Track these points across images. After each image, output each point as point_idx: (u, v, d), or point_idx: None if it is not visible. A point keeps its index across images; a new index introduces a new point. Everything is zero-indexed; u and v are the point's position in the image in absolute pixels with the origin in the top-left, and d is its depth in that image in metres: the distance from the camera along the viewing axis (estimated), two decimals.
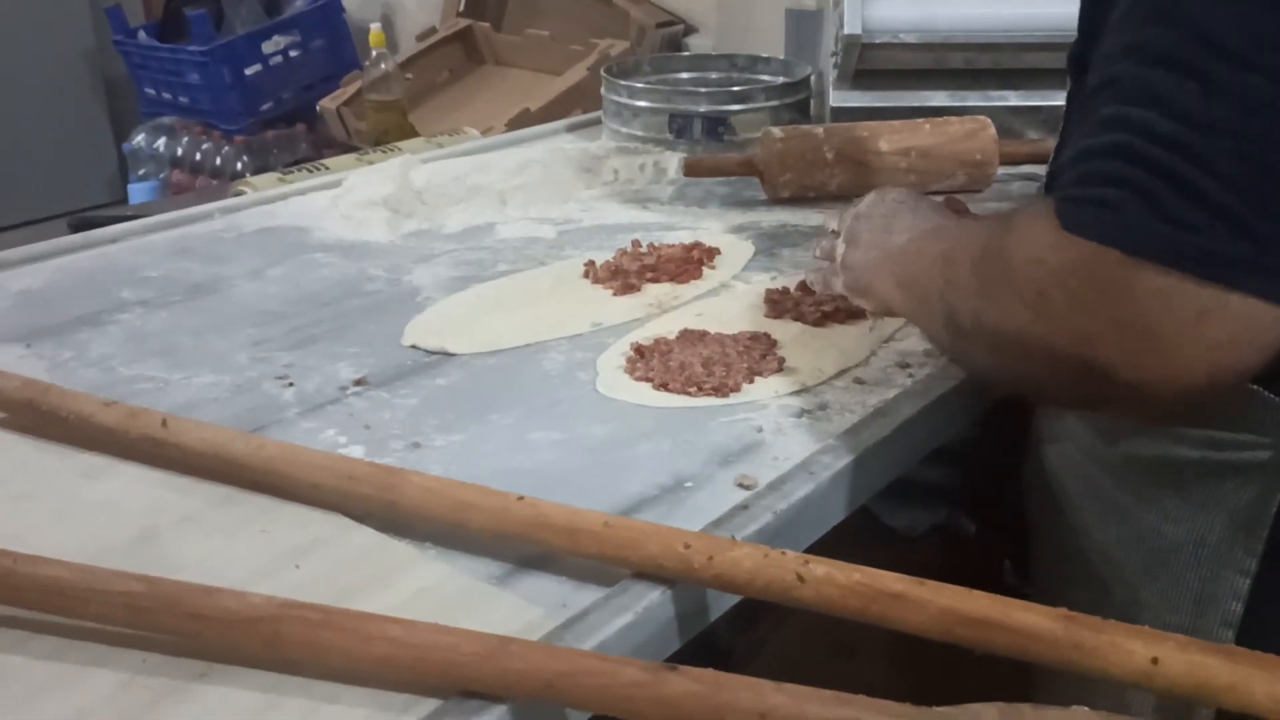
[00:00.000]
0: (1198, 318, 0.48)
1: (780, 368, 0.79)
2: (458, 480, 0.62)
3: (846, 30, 1.22)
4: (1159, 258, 0.48)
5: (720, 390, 0.76)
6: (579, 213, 1.15)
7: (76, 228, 1.27)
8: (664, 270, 0.96)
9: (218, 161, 2.38)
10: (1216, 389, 0.51)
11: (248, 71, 2.45)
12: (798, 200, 1.15)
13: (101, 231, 1.10)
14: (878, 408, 0.74)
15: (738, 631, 1.05)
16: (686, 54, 1.61)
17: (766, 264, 1.00)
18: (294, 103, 2.53)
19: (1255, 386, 0.57)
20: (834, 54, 1.29)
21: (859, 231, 0.82)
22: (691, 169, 1.17)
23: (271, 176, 1.35)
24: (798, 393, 0.77)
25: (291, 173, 1.35)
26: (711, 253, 1.00)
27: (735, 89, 1.33)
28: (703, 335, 0.83)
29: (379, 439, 0.71)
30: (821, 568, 0.53)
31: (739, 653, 1.04)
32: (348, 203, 1.15)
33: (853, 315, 0.86)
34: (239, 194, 1.27)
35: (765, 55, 1.46)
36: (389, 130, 1.79)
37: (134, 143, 2.51)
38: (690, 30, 2.11)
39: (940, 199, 1.09)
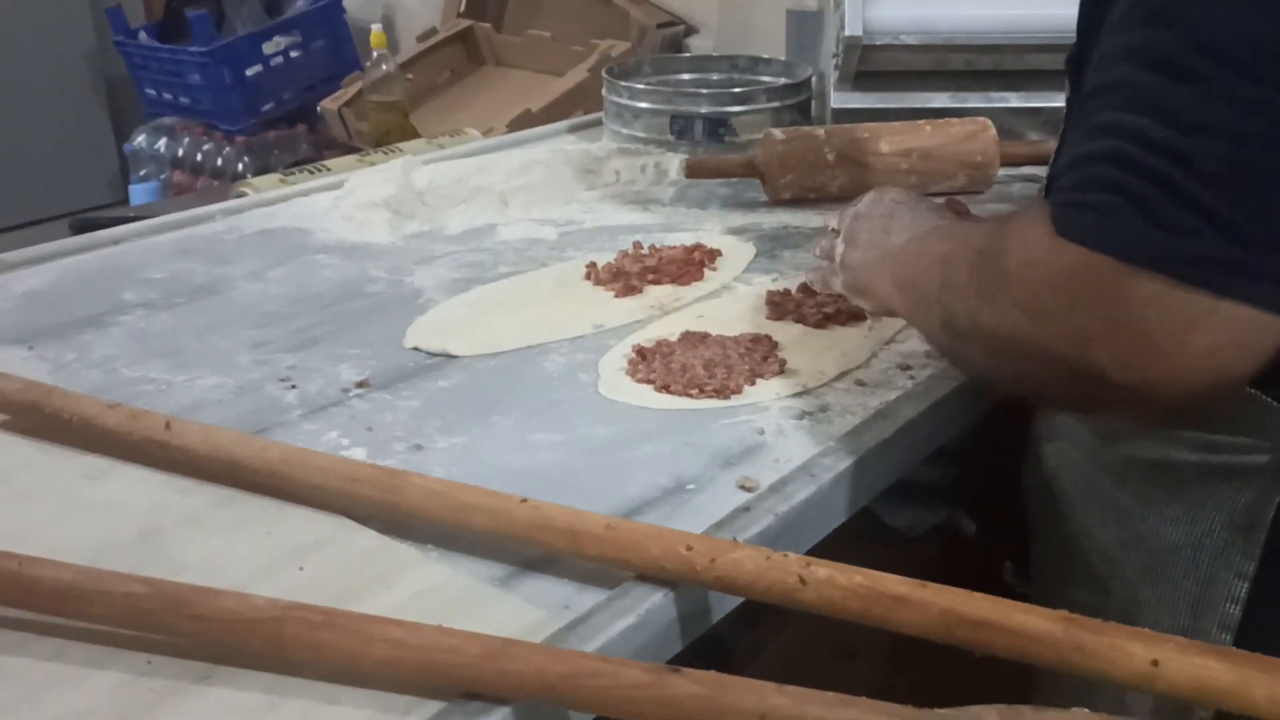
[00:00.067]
0: (1190, 324, 0.49)
1: (781, 370, 0.79)
2: (460, 482, 0.62)
3: (848, 32, 1.22)
4: (1152, 264, 0.48)
5: (722, 392, 0.76)
6: (580, 214, 1.15)
7: (78, 229, 1.28)
8: (665, 272, 0.96)
9: (219, 162, 2.38)
10: (1211, 393, 0.51)
11: (249, 72, 2.45)
12: (799, 202, 1.16)
13: (104, 233, 1.10)
14: (879, 409, 0.75)
15: (738, 632, 1.05)
16: (687, 55, 1.62)
17: (768, 265, 1.01)
18: (295, 103, 2.53)
19: (1253, 390, 0.57)
20: (835, 55, 1.30)
21: (858, 231, 0.83)
22: (693, 170, 1.18)
23: (273, 177, 1.36)
24: (799, 394, 0.77)
25: (293, 174, 1.36)
26: (713, 254, 1.01)
27: (736, 90, 1.33)
28: (704, 337, 0.83)
29: (381, 441, 0.72)
30: (823, 570, 0.53)
31: (740, 653, 1.04)
32: (349, 204, 1.15)
33: (854, 317, 0.86)
34: (240, 195, 1.27)
35: (766, 56, 1.46)
36: (390, 131, 1.79)
37: (135, 143, 2.51)
38: (691, 31, 2.11)
39: (941, 200, 1.10)
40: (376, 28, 1.86)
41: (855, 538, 0.71)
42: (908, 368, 0.80)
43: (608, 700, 0.47)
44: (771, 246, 1.05)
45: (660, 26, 2.05)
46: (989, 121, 1.16)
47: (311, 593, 0.55)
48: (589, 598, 0.56)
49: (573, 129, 1.49)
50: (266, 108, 2.49)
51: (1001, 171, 1.17)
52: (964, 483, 1.22)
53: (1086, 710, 0.45)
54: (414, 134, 1.74)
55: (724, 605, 0.60)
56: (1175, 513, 0.63)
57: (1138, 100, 0.50)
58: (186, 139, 2.43)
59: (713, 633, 0.60)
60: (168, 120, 2.50)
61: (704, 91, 1.34)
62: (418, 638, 0.49)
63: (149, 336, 0.88)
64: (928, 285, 0.66)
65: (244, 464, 0.65)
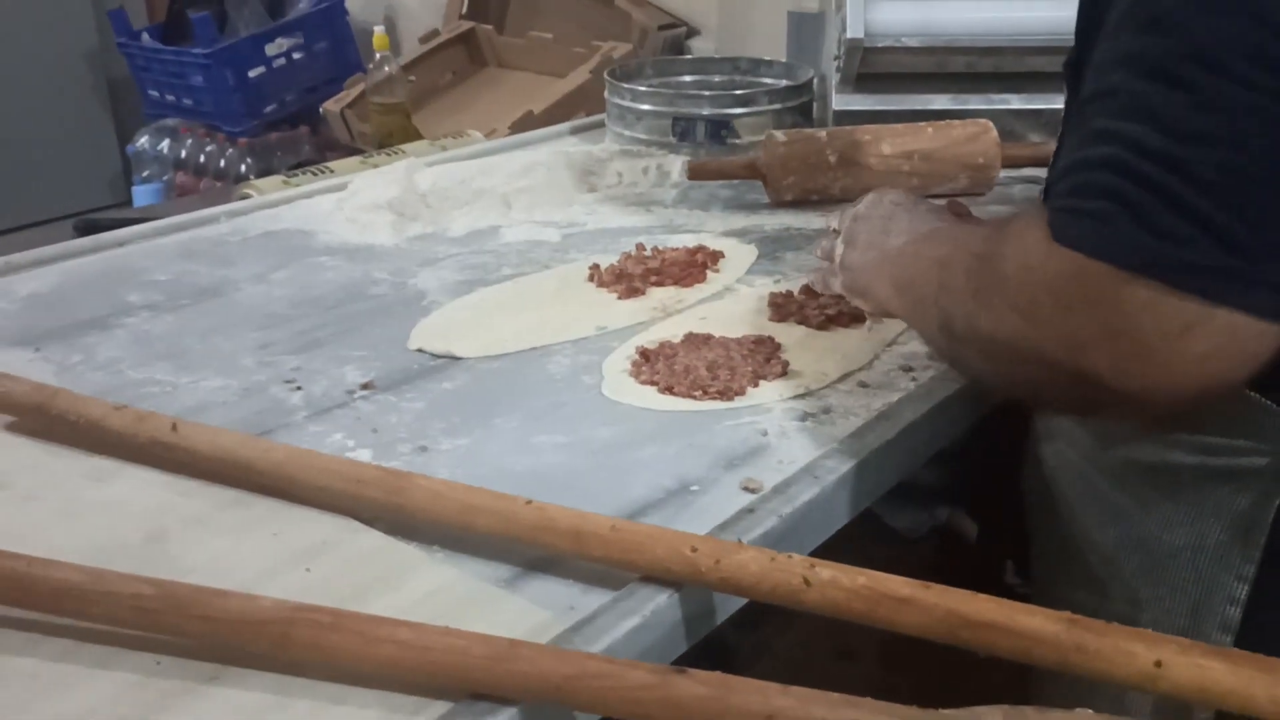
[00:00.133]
0: (1184, 330, 0.49)
1: (784, 371, 0.80)
2: (465, 484, 0.62)
3: (849, 34, 1.22)
4: (1147, 271, 0.49)
5: (725, 394, 0.77)
6: (583, 216, 1.16)
7: (82, 230, 1.28)
8: (668, 274, 0.97)
9: (221, 164, 2.38)
10: (1205, 398, 0.52)
11: (251, 74, 2.45)
12: (801, 203, 1.16)
13: (108, 235, 1.10)
14: (881, 411, 0.75)
15: (741, 633, 1.05)
16: (689, 57, 1.62)
17: (769, 267, 1.01)
18: (297, 105, 2.54)
19: (1252, 393, 0.57)
20: (836, 57, 1.30)
21: (857, 233, 0.83)
22: (695, 172, 1.18)
23: (276, 179, 1.36)
24: (802, 396, 0.77)
25: (296, 175, 1.36)
26: (715, 256, 1.01)
27: (738, 92, 1.33)
28: (707, 339, 0.84)
29: (386, 442, 0.72)
30: (827, 571, 0.53)
31: (743, 654, 1.05)
32: (352, 206, 1.15)
33: (856, 319, 0.87)
34: (244, 197, 1.27)
35: (768, 58, 1.47)
36: (392, 133, 1.79)
37: (137, 145, 2.51)
38: (692, 33, 2.12)
39: (942, 202, 1.10)
40: (379, 30, 1.86)
41: (856, 538, 0.71)
42: (910, 369, 0.81)
43: (613, 701, 0.47)
44: (773, 248, 1.05)
45: (662, 28, 2.06)
46: (990, 123, 1.17)
47: (318, 594, 0.55)
48: (594, 599, 0.56)
49: (575, 131, 1.49)
50: (269, 109, 2.50)
51: (1003, 173, 1.17)
52: (964, 483, 1.22)
53: (1090, 711, 0.45)
54: (416, 135, 1.74)
55: (728, 606, 0.60)
56: (1174, 515, 0.63)
57: (1134, 107, 0.50)
58: (189, 140, 2.44)
59: (716, 634, 0.60)
60: (170, 122, 2.51)
61: (706, 93, 1.35)
62: (425, 639, 0.50)
63: (154, 338, 0.88)
64: (926, 287, 0.67)
65: (250, 466, 0.65)
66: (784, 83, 1.37)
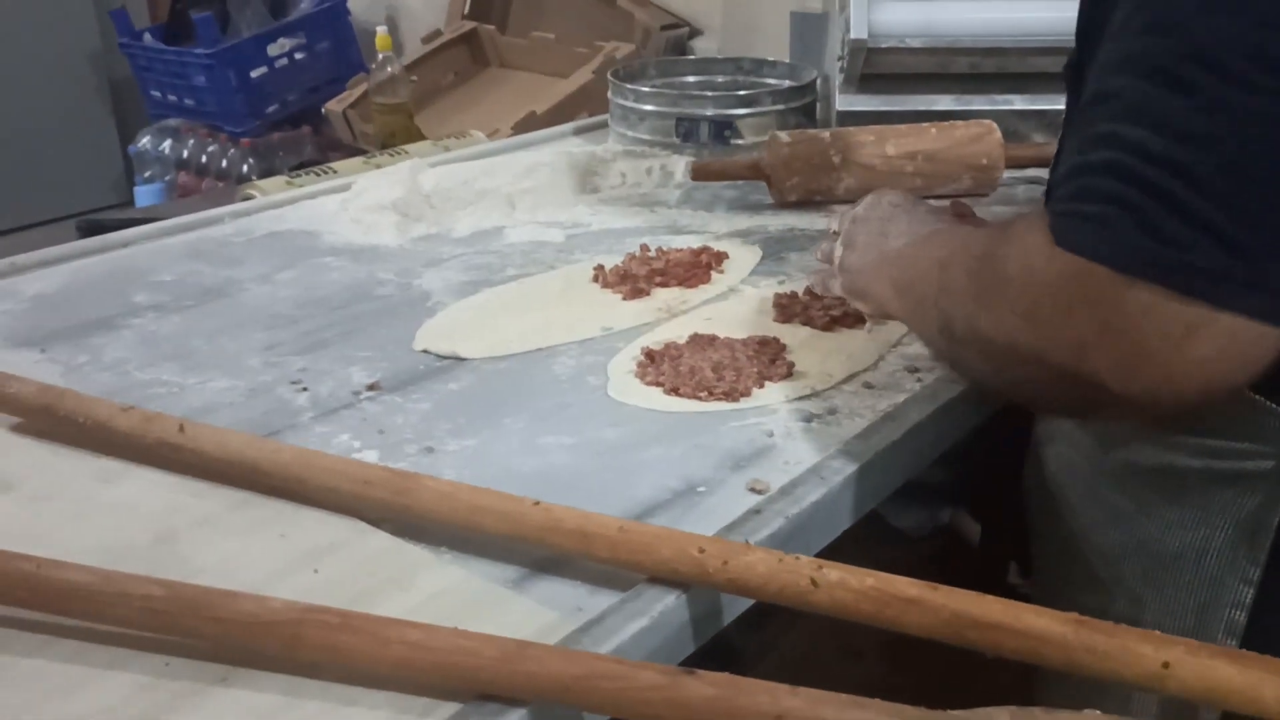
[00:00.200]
0: (1186, 334, 0.49)
1: (789, 372, 0.80)
2: (471, 485, 0.62)
3: (853, 35, 1.22)
4: (1149, 275, 0.49)
5: (730, 395, 0.77)
6: (587, 216, 1.16)
7: (86, 231, 1.28)
8: (673, 275, 0.97)
9: (223, 164, 2.39)
10: (1207, 401, 0.51)
11: (253, 74, 2.46)
12: (805, 204, 1.16)
13: (114, 235, 1.10)
14: (887, 412, 0.75)
15: (747, 632, 1.05)
16: (692, 57, 1.62)
17: (774, 268, 1.01)
18: (299, 105, 2.54)
19: (1256, 396, 0.57)
20: (840, 58, 1.30)
21: (856, 235, 0.83)
22: (699, 173, 1.18)
23: (279, 180, 1.36)
24: (807, 397, 0.77)
25: (299, 176, 1.36)
26: (719, 257, 1.01)
27: (741, 93, 1.33)
28: (712, 340, 0.84)
29: (392, 443, 0.72)
30: (835, 573, 0.53)
31: (748, 654, 1.05)
32: (357, 206, 1.15)
33: (860, 320, 0.87)
34: (247, 197, 1.27)
35: (771, 59, 1.47)
36: (395, 133, 1.79)
37: (140, 145, 2.52)
38: (695, 33, 2.12)
39: (946, 203, 1.10)
40: (382, 30, 1.86)
41: (861, 539, 0.71)
42: (915, 370, 0.81)
43: (623, 702, 0.48)
44: (778, 249, 1.05)
45: (664, 28, 2.06)
46: (994, 124, 1.17)
47: (326, 595, 0.56)
48: (602, 600, 0.56)
49: (578, 131, 1.49)
50: (271, 110, 2.50)
51: (1006, 174, 1.17)
52: (967, 484, 1.22)
53: (1098, 712, 0.45)
54: (419, 136, 1.74)
55: (736, 607, 0.60)
56: (1179, 518, 0.63)
57: (1136, 110, 0.50)
58: (191, 141, 2.44)
59: (721, 633, 0.61)
60: (172, 122, 2.51)
61: (709, 94, 1.35)
62: (434, 640, 0.50)
63: (160, 339, 0.88)
64: (926, 289, 0.66)
65: (257, 467, 0.66)
66: (787, 83, 1.37)
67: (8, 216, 2.62)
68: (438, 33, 2.33)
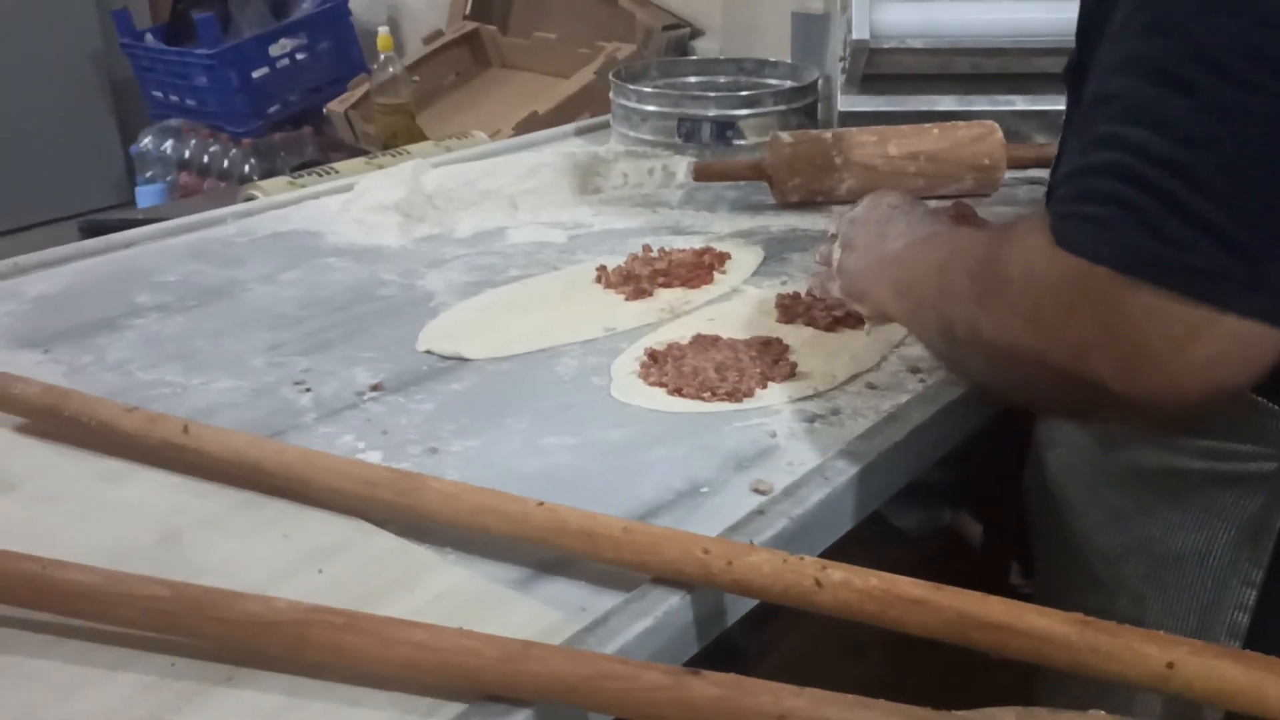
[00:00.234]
0: (1189, 336, 0.49)
1: (792, 373, 0.80)
2: (476, 485, 0.62)
3: (855, 35, 1.22)
4: (1151, 276, 0.48)
5: (734, 395, 0.77)
6: (589, 217, 1.16)
7: (88, 231, 1.28)
8: (675, 275, 0.97)
9: (225, 164, 2.39)
10: (1209, 404, 0.51)
11: (255, 74, 2.46)
12: (807, 204, 1.16)
13: (117, 236, 1.11)
14: (890, 413, 0.75)
15: (749, 631, 1.05)
16: (694, 58, 1.62)
17: (776, 269, 1.01)
18: (301, 105, 2.54)
19: (1259, 397, 0.57)
20: (842, 58, 1.30)
21: (854, 237, 0.82)
22: (701, 173, 1.18)
23: (281, 180, 1.36)
24: (810, 398, 0.77)
25: (301, 176, 1.36)
26: (722, 258, 1.01)
27: (743, 93, 1.34)
28: (715, 340, 0.84)
29: (396, 444, 0.72)
30: (839, 573, 0.53)
31: (751, 652, 1.05)
32: (359, 207, 1.15)
33: (863, 320, 0.87)
34: (249, 198, 1.28)
35: (772, 59, 1.47)
36: (397, 133, 1.79)
37: (141, 145, 2.52)
38: (696, 33, 2.12)
39: (949, 203, 1.10)
40: (384, 30, 1.86)
41: (863, 539, 0.71)
42: (918, 371, 0.81)
43: (628, 702, 0.48)
44: (780, 249, 1.05)
45: (666, 29, 2.06)
46: (996, 124, 1.17)
47: (331, 595, 0.56)
48: (606, 600, 0.57)
49: (580, 132, 1.49)
50: (272, 110, 2.50)
51: (1008, 174, 1.17)
52: (969, 485, 1.22)
53: (1103, 712, 0.45)
54: (421, 136, 1.74)
55: (740, 608, 0.60)
56: (1181, 520, 0.63)
57: (1137, 111, 0.50)
58: (192, 141, 2.45)
59: (722, 633, 0.61)
60: (174, 122, 2.51)
61: (711, 94, 1.35)
62: (439, 640, 0.50)
63: (164, 339, 0.88)
64: (925, 292, 0.66)
65: (262, 467, 0.66)
66: (789, 84, 1.37)
67: (9, 217, 2.62)
68: (439, 33, 2.34)
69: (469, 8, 2.34)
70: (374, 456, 0.70)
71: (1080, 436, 0.72)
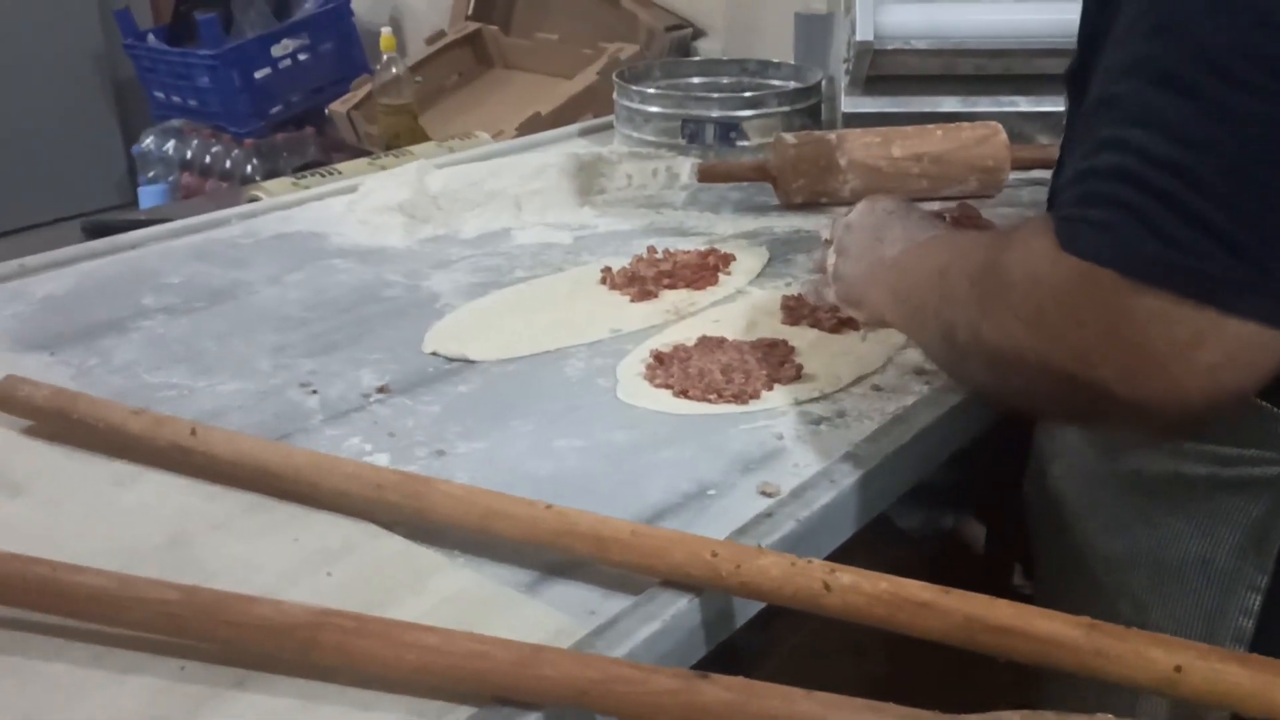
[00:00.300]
0: (1194, 340, 0.48)
1: (798, 375, 0.80)
2: (484, 488, 0.63)
3: (859, 36, 1.22)
4: (1156, 280, 0.48)
5: (740, 397, 0.77)
6: (593, 218, 1.16)
7: (91, 232, 1.28)
8: (680, 277, 0.97)
9: (227, 164, 2.39)
10: (1215, 409, 0.51)
11: (257, 75, 2.46)
12: (811, 206, 1.16)
13: (122, 237, 1.11)
14: (896, 415, 0.75)
15: (751, 630, 1.05)
16: (697, 59, 1.62)
17: (781, 270, 1.01)
18: (303, 106, 2.54)
19: (1264, 403, 0.57)
20: (845, 59, 1.30)
21: (849, 241, 0.81)
22: (704, 174, 1.18)
23: (285, 181, 1.36)
24: (816, 400, 0.77)
25: (304, 177, 1.36)
26: (726, 259, 1.01)
27: (747, 94, 1.34)
28: (721, 342, 0.84)
29: (403, 446, 0.72)
30: (848, 576, 0.53)
31: (753, 652, 1.05)
32: (364, 208, 1.15)
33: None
34: (252, 198, 1.28)
35: (776, 60, 1.47)
36: (399, 134, 1.79)
37: (143, 145, 2.51)
38: (699, 34, 2.12)
39: (953, 204, 1.10)
40: (387, 31, 1.86)
41: (865, 539, 0.71)
42: (923, 373, 0.81)
43: (637, 706, 0.48)
44: (784, 251, 1.06)
45: (668, 30, 2.06)
46: (999, 126, 1.17)
47: (339, 598, 0.56)
48: (615, 603, 0.57)
49: (583, 132, 1.50)
50: (275, 110, 2.50)
51: (1012, 175, 1.18)
52: (973, 487, 1.22)
53: (1111, 716, 0.45)
54: (423, 137, 1.74)
55: (747, 610, 0.60)
56: (1186, 526, 0.63)
57: (1141, 114, 0.50)
58: (195, 141, 2.44)
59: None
60: (176, 123, 2.51)
61: (714, 95, 1.35)
62: (449, 644, 0.50)
63: (170, 341, 0.89)
64: (926, 297, 0.66)
65: (270, 470, 0.66)
66: (793, 85, 1.38)
67: (11, 217, 2.62)
68: (441, 33, 2.33)
69: (471, 8, 2.34)
70: (381, 459, 0.70)
71: (1081, 442, 0.71)
